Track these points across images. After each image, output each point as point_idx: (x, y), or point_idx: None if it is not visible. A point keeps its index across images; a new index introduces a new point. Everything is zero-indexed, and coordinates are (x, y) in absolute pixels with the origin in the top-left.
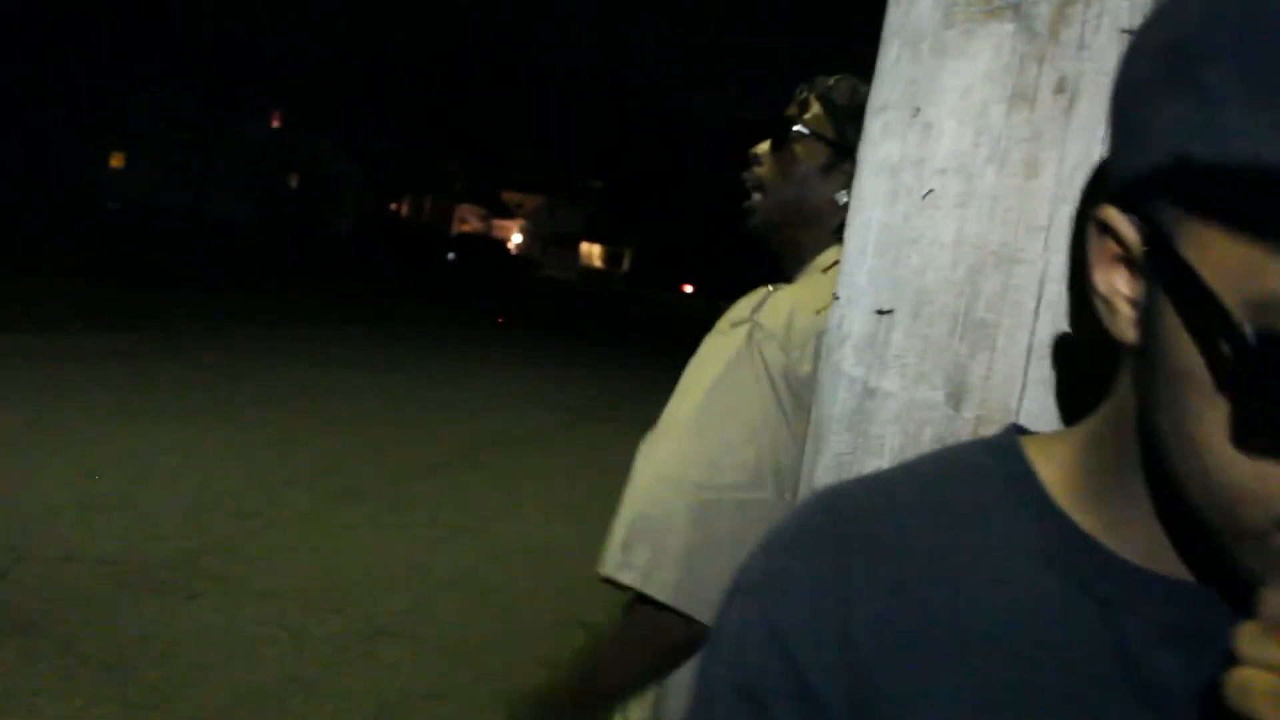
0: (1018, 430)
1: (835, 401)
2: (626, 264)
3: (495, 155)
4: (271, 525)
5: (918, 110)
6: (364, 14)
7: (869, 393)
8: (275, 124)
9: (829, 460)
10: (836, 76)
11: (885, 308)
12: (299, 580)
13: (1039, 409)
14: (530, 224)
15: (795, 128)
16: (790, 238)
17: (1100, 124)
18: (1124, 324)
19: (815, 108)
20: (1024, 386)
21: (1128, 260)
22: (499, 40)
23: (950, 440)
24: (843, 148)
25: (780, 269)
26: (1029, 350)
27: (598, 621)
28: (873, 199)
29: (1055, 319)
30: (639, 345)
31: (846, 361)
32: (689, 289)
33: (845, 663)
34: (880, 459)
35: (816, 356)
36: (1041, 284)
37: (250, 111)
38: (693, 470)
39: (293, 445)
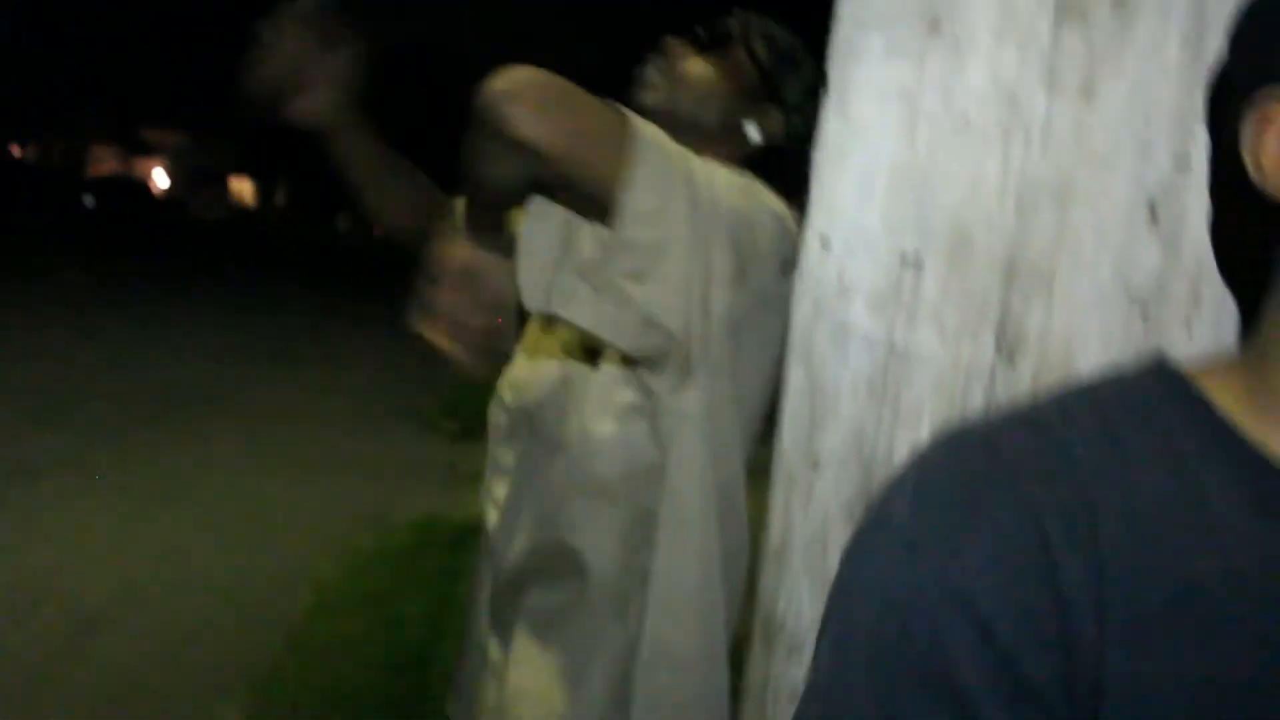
0: (1165, 362)
1: (845, 365)
2: (281, 200)
3: (136, 92)
4: None
5: (937, 23)
6: None
7: (896, 354)
8: None
9: (845, 435)
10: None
11: (910, 254)
12: None
13: (1103, 361)
14: (174, 163)
15: (733, 39)
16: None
17: (1164, 43)
18: None
19: (757, 34)
20: (1086, 337)
21: None
22: None
23: (1006, 401)
24: (770, 84)
25: None
26: (1094, 298)
27: (326, 576)
28: (880, 130)
29: (1121, 261)
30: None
31: (856, 317)
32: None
33: (1061, 640)
34: (916, 430)
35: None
36: (1102, 221)
37: None
38: None
39: None
